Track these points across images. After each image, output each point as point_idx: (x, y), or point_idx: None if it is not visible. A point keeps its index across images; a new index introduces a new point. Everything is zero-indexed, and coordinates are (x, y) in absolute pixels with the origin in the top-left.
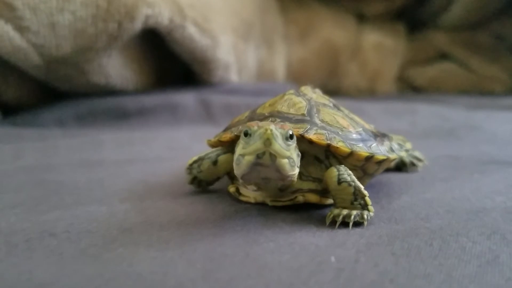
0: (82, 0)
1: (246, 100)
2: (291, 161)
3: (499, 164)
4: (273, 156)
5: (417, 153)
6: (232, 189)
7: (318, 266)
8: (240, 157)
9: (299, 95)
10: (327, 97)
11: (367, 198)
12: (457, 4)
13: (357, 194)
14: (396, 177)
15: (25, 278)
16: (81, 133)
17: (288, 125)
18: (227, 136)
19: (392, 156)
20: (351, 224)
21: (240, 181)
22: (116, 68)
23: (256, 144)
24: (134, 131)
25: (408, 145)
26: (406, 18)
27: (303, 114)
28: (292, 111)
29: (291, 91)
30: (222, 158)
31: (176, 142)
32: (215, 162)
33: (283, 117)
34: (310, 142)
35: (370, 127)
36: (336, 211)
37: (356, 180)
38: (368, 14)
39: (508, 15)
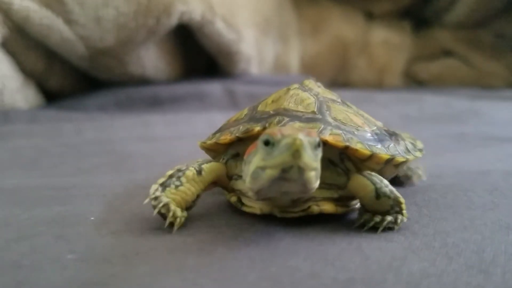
0: None
1: (267, 90)
2: (317, 173)
3: (499, 140)
4: (301, 170)
5: (420, 169)
6: (233, 198)
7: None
8: (259, 171)
9: (305, 90)
10: (331, 91)
11: (403, 205)
12: (460, 4)
13: (394, 204)
14: None
15: (136, 212)
16: (124, 116)
17: (298, 124)
18: (227, 137)
19: (410, 157)
20: (380, 228)
21: (250, 193)
22: (152, 60)
23: (282, 157)
24: (169, 116)
25: (419, 144)
26: (412, 16)
27: (313, 112)
28: (300, 108)
29: (296, 86)
30: (208, 166)
31: (214, 122)
32: (199, 171)
33: (292, 116)
34: (323, 143)
35: (380, 124)
36: (366, 216)
37: (393, 189)
38: (376, 12)
39: (509, 14)
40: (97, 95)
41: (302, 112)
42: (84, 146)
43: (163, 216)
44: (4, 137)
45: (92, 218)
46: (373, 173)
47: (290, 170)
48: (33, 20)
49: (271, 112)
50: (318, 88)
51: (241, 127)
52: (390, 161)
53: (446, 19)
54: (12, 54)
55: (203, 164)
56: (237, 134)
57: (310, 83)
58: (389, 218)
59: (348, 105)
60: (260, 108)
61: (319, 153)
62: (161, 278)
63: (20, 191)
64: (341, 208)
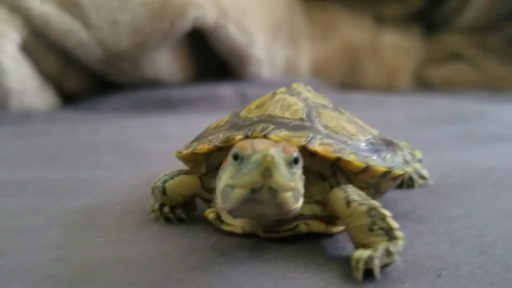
0: (141, 1)
1: None
2: (295, 193)
3: (504, 139)
4: (274, 190)
5: (424, 172)
6: (211, 215)
7: None
8: (228, 189)
9: (293, 94)
10: (322, 96)
11: (388, 219)
12: (470, 8)
13: (373, 215)
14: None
15: None
16: (139, 117)
17: (284, 133)
18: (204, 147)
19: (409, 169)
20: (377, 271)
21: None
22: (166, 63)
23: (251, 175)
24: (182, 117)
25: (418, 154)
26: (422, 20)
27: (301, 119)
28: (287, 114)
29: (283, 89)
30: (171, 183)
31: None
32: (164, 191)
33: (277, 123)
34: (312, 154)
35: (376, 132)
36: (356, 254)
37: (369, 199)
38: (386, 16)
39: None
40: (112, 97)
41: (289, 118)
42: (101, 143)
43: (170, 220)
44: (24, 136)
45: (118, 207)
46: (349, 185)
47: (261, 191)
48: (52, 24)
49: (255, 118)
50: (307, 92)
51: (221, 135)
52: (387, 174)
53: (455, 23)
54: (31, 57)
55: (167, 181)
56: (216, 143)
57: (299, 86)
58: (378, 253)
59: (340, 111)
60: (242, 114)
61: (298, 170)
62: (183, 256)
63: (45, 183)
64: (332, 227)
